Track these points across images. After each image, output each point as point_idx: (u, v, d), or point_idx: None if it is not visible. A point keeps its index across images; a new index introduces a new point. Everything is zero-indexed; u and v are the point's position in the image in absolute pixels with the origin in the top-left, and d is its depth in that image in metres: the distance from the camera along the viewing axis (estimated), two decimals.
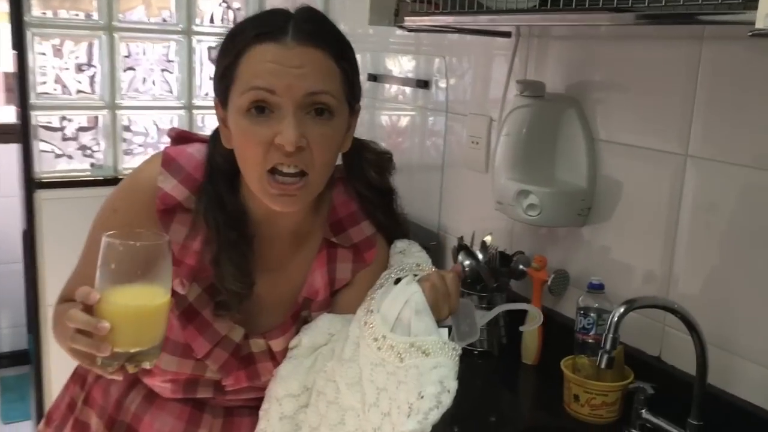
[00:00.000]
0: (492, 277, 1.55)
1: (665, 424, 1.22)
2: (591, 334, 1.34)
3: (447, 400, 0.90)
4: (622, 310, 1.09)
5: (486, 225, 1.68)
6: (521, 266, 1.55)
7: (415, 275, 1.03)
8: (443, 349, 0.94)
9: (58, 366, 2.15)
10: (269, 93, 0.95)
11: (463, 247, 1.59)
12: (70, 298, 1.11)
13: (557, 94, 1.50)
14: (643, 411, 1.25)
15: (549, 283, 1.47)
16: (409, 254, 1.12)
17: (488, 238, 1.61)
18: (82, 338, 0.87)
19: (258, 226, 1.08)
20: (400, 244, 1.14)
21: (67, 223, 2.12)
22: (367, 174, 1.13)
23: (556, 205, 1.42)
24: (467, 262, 1.57)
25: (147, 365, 0.89)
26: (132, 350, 0.87)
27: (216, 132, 1.07)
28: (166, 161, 1.06)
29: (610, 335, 1.09)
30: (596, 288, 1.35)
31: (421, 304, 0.98)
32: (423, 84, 1.90)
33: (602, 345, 1.10)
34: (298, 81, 0.94)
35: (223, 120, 1.03)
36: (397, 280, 1.04)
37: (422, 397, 0.90)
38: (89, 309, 0.88)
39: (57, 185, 2.14)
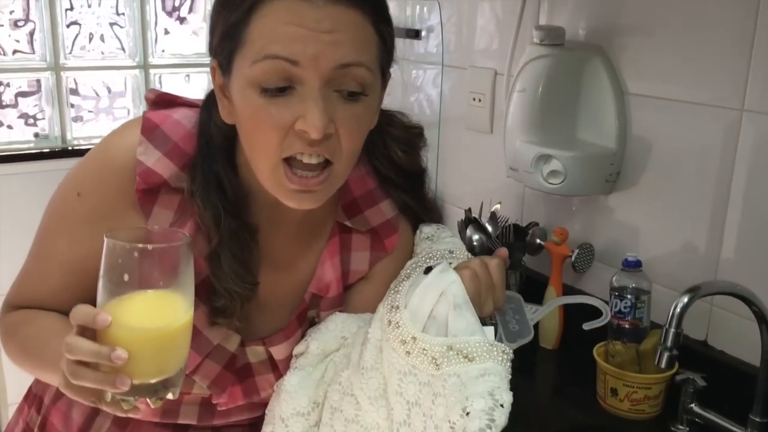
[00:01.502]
0: None
1: (720, 420, 1.07)
2: (628, 318, 1.17)
3: (501, 418, 0.73)
4: (686, 300, 0.92)
5: (491, 192, 1.49)
6: (538, 240, 1.38)
7: (450, 263, 0.85)
8: (491, 353, 0.77)
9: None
10: (290, 64, 0.74)
11: (471, 220, 1.40)
12: (21, 304, 0.91)
13: (578, 41, 1.30)
14: (693, 405, 1.10)
15: (573, 258, 1.30)
16: (438, 240, 0.93)
17: (497, 208, 1.43)
18: (87, 372, 0.68)
19: (261, 212, 0.88)
20: (426, 229, 0.96)
21: (10, 202, 1.90)
22: (392, 153, 0.93)
23: (582, 170, 1.24)
24: (476, 237, 1.39)
25: (171, 396, 0.71)
26: (154, 380, 0.69)
27: (211, 97, 0.87)
28: (148, 128, 0.85)
29: (672, 330, 0.92)
30: (633, 265, 1.17)
31: (460, 296, 0.81)
32: (414, 34, 1.68)
33: (662, 341, 0.93)
34: (327, 50, 0.74)
35: (221, 88, 0.82)
36: (428, 270, 0.85)
37: (468, 414, 0.73)
38: (87, 332, 0.69)
39: None
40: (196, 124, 0.87)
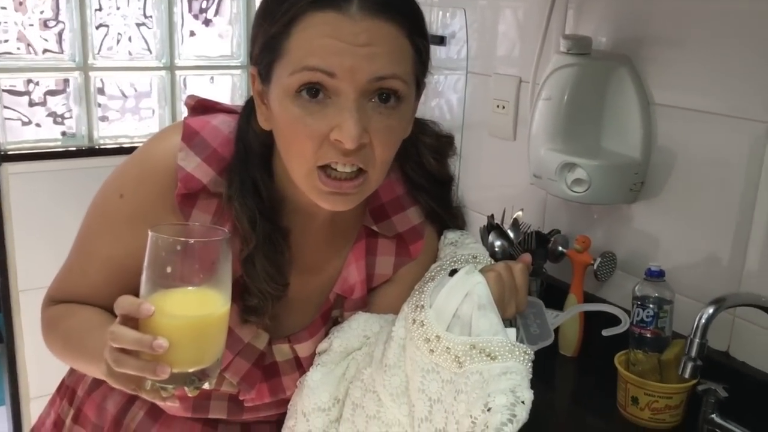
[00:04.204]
0: None
1: (741, 431, 1.07)
2: (650, 328, 1.17)
3: (522, 414, 0.75)
4: (711, 311, 0.93)
5: (513, 199, 1.50)
6: (559, 247, 1.38)
7: (475, 266, 0.87)
8: (512, 352, 0.79)
9: (33, 346, 1.98)
10: (327, 76, 0.76)
11: (493, 226, 1.41)
12: (62, 298, 0.94)
13: (605, 51, 1.31)
14: (714, 415, 1.10)
15: (595, 267, 1.30)
16: (462, 246, 0.95)
17: (519, 215, 1.44)
18: (129, 359, 0.71)
19: (294, 216, 0.91)
20: (451, 235, 0.98)
21: (37, 198, 1.93)
22: (424, 160, 0.95)
23: (607, 179, 1.25)
24: (498, 243, 1.40)
25: (207, 385, 0.74)
26: (192, 369, 0.73)
27: (249, 104, 0.89)
28: (188, 135, 0.87)
29: (697, 340, 0.93)
30: (656, 275, 1.18)
31: (485, 297, 0.83)
32: (438, 40, 1.69)
33: (686, 351, 0.94)
34: (363, 63, 0.76)
35: (260, 95, 0.85)
36: (453, 272, 0.87)
37: (489, 409, 0.75)
38: (129, 321, 0.72)
39: (25, 157, 1.93)
40: (234, 129, 0.89)
